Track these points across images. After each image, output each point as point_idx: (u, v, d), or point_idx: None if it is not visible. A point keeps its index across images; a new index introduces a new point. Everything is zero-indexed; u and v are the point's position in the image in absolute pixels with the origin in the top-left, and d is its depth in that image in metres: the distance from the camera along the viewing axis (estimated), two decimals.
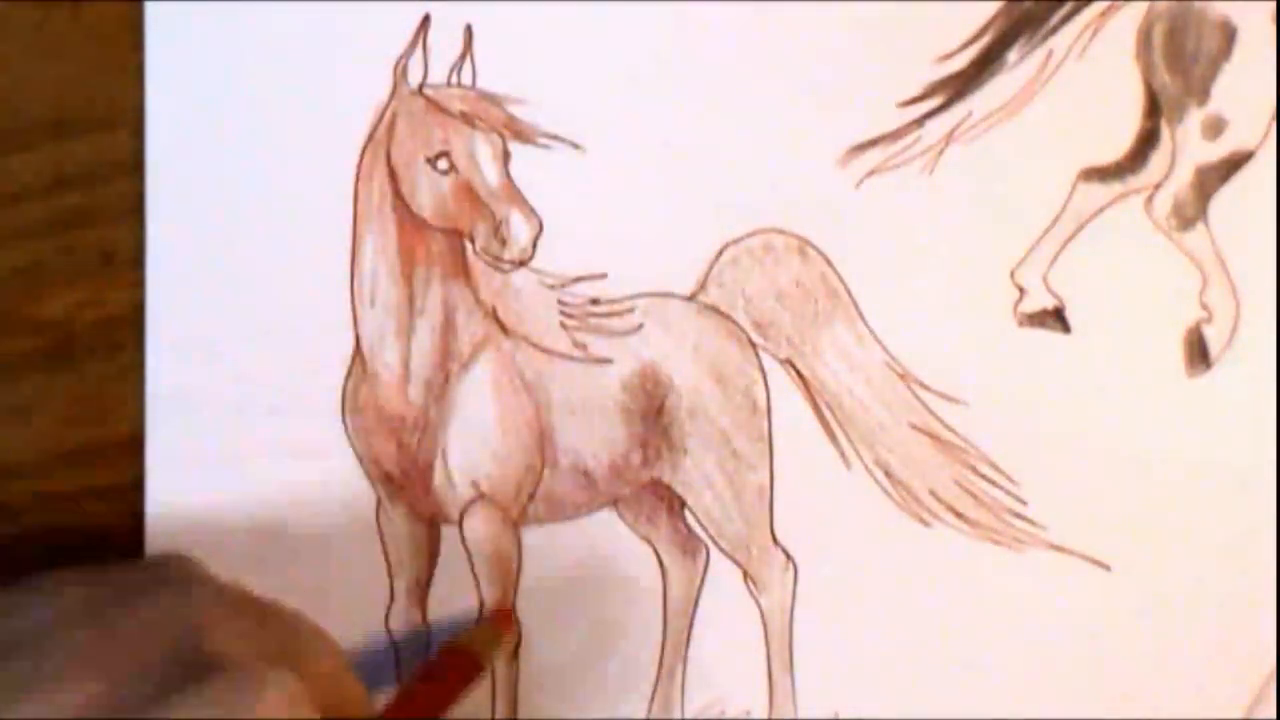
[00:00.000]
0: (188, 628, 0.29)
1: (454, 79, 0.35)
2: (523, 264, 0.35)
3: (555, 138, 0.35)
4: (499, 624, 0.37)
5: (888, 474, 0.36)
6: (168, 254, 0.35)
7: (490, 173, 0.35)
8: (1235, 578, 0.36)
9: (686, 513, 0.37)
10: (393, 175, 0.35)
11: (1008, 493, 0.36)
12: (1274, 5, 0.34)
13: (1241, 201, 0.35)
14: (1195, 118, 0.35)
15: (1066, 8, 0.34)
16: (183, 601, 0.30)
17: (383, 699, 0.34)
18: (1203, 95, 0.34)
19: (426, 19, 0.34)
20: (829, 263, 0.36)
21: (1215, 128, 0.35)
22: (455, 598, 0.37)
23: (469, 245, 0.35)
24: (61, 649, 0.28)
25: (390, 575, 0.37)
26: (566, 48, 0.35)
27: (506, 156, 0.35)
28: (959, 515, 0.36)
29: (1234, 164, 0.35)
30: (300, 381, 0.35)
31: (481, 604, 0.37)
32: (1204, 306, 0.35)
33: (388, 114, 0.35)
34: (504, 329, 0.36)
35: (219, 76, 0.35)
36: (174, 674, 0.27)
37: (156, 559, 0.35)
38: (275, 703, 0.27)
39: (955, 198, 0.35)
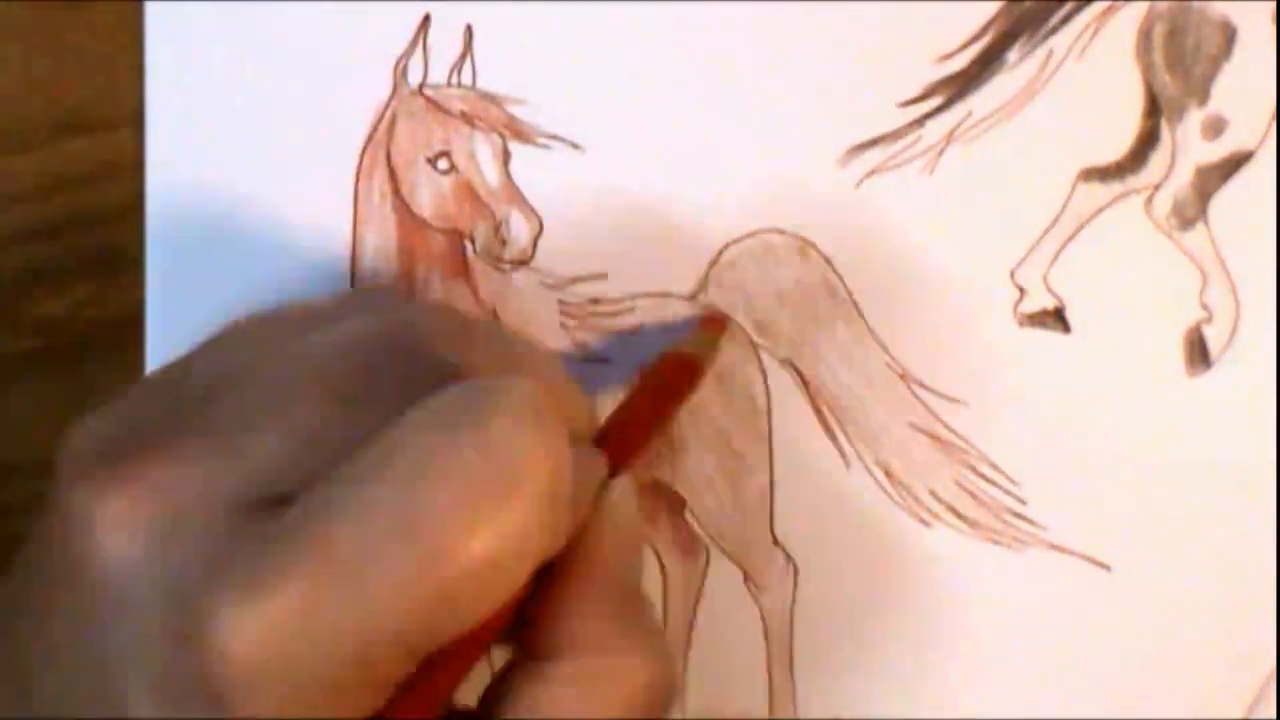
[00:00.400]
0: (413, 337, 0.27)
1: (454, 79, 0.35)
2: (523, 264, 0.35)
3: (555, 138, 0.35)
4: (714, 325, 0.35)
5: (888, 474, 0.36)
6: (168, 254, 0.35)
7: (490, 173, 0.35)
8: (1235, 578, 0.36)
9: (686, 513, 0.37)
10: (393, 175, 0.35)
11: (1008, 493, 0.36)
12: (1274, 5, 0.34)
13: (1242, 202, 0.35)
14: (1195, 118, 0.35)
15: (1067, 8, 0.34)
16: (399, 314, 0.28)
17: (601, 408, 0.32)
18: (1203, 95, 0.34)
19: (427, 19, 0.34)
20: (829, 263, 0.36)
21: (1215, 128, 0.35)
22: None
23: (469, 245, 0.35)
24: (283, 374, 0.26)
25: None
26: (567, 48, 0.35)
27: (507, 156, 0.35)
28: (959, 515, 0.36)
29: (1234, 164, 0.35)
30: None
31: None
32: (1204, 306, 0.35)
33: (388, 114, 0.35)
34: None
35: (219, 76, 0.35)
36: (409, 388, 0.25)
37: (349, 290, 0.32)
38: (520, 409, 0.25)
39: (955, 198, 0.35)
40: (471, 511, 0.24)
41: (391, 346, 0.27)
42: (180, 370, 0.28)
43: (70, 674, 0.24)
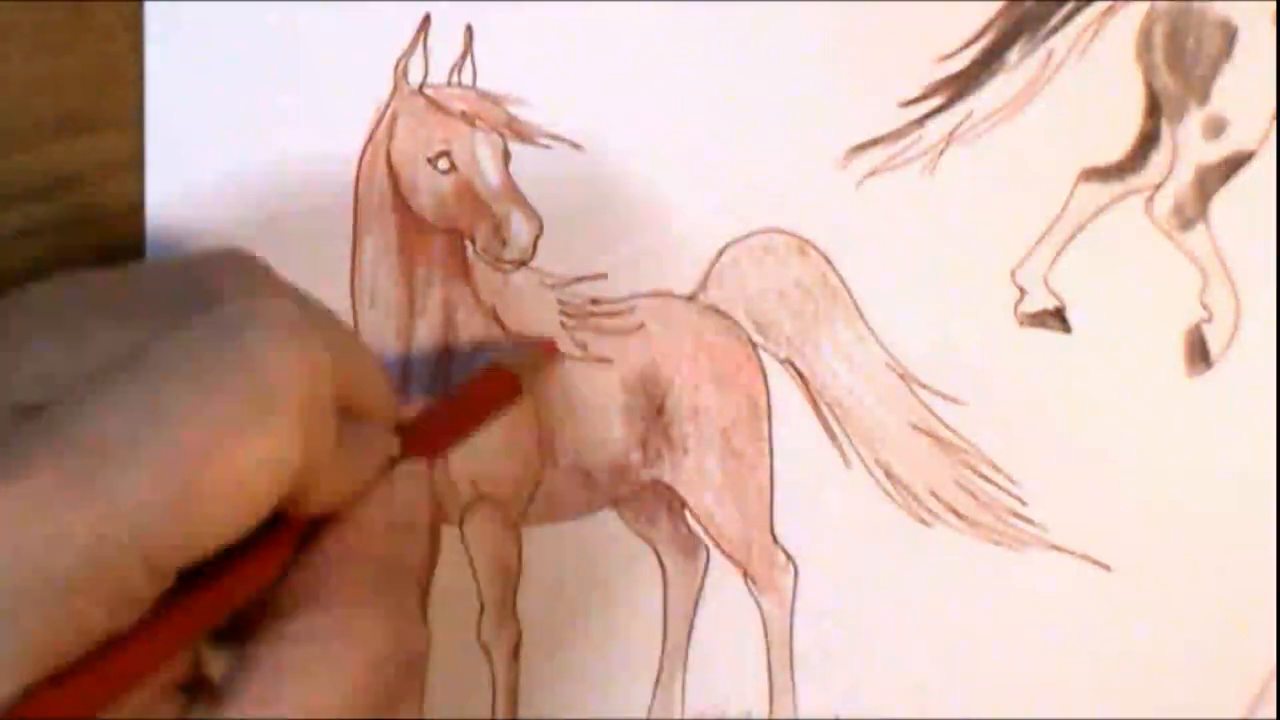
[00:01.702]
0: (198, 272, 0.28)
1: (454, 79, 0.35)
2: (523, 264, 0.35)
3: (555, 137, 0.35)
4: (543, 347, 0.35)
5: (888, 474, 0.36)
6: (168, 254, 0.35)
7: (491, 172, 0.35)
8: (1235, 578, 0.36)
9: (687, 513, 0.37)
10: (393, 175, 0.35)
11: (1008, 493, 0.36)
12: (1274, 6, 0.34)
13: (1242, 202, 0.35)
14: (1196, 118, 0.35)
15: (1067, 8, 0.34)
16: (204, 259, 0.29)
17: (409, 411, 0.32)
18: (1203, 95, 0.34)
19: (427, 19, 0.34)
20: (829, 263, 0.36)
21: (1216, 128, 0.35)
22: (455, 597, 0.37)
23: (469, 245, 0.35)
24: (69, 296, 0.27)
25: None
26: (567, 48, 0.35)
27: (507, 156, 0.35)
28: (959, 515, 0.36)
29: (1234, 164, 0.35)
30: None
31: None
32: (1204, 306, 0.35)
33: (388, 114, 0.35)
34: (504, 329, 0.36)
35: (219, 76, 0.35)
36: (185, 311, 0.26)
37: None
38: (279, 326, 0.25)
39: (956, 198, 0.35)
40: (220, 419, 0.24)
41: (172, 275, 0.28)
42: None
43: None
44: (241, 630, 0.27)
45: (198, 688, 0.26)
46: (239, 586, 0.26)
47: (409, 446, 0.30)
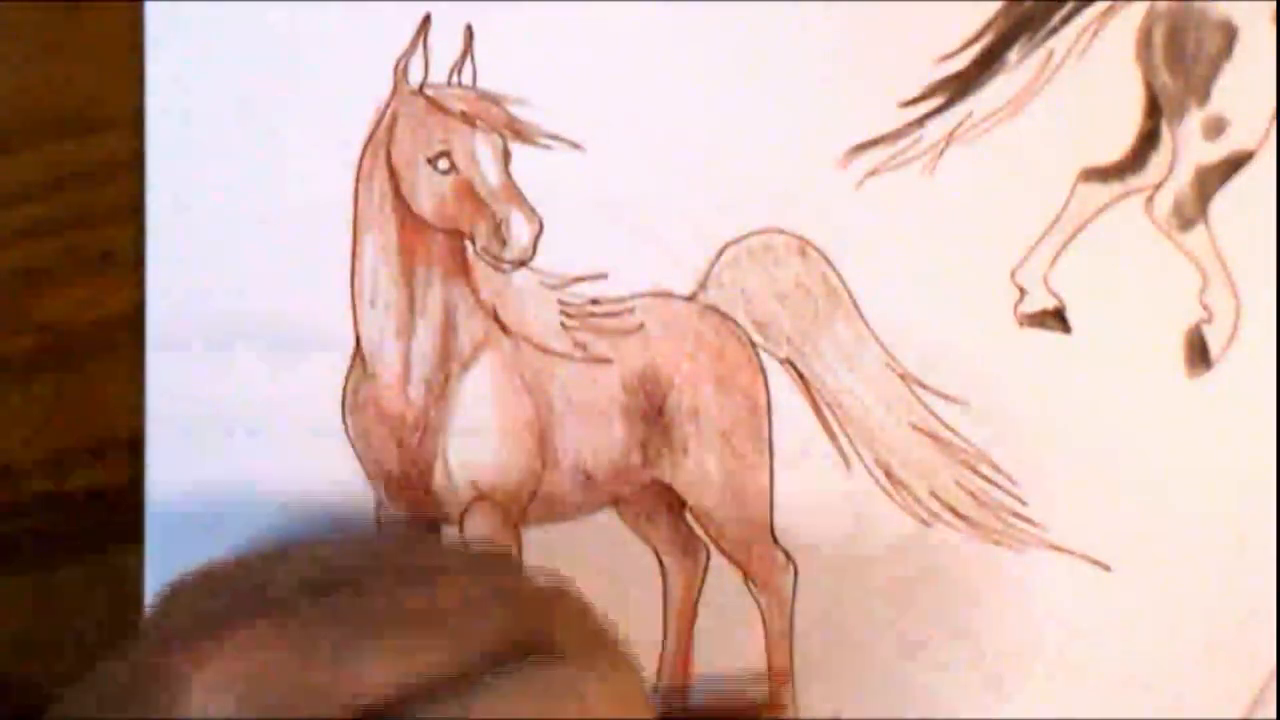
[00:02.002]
0: (536, 607, 0.28)
1: (454, 79, 0.35)
2: (523, 264, 0.35)
3: (556, 137, 0.35)
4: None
5: (888, 474, 0.36)
6: (168, 254, 0.35)
7: (491, 173, 0.35)
8: (1235, 578, 0.36)
9: (687, 513, 0.37)
10: (393, 175, 0.35)
11: (1008, 493, 0.36)
12: (1274, 6, 0.34)
13: (1242, 202, 0.35)
14: (1195, 118, 0.35)
15: (1067, 8, 0.34)
16: (528, 583, 0.29)
17: None
18: (1203, 96, 0.34)
19: (427, 19, 0.34)
20: (829, 263, 0.36)
21: (1215, 128, 0.35)
22: None
23: (469, 245, 0.35)
24: (401, 602, 0.27)
25: None
26: (567, 48, 0.35)
27: (507, 156, 0.35)
28: (959, 515, 0.36)
29: (1234, 164, 0.35)
30: (301, 382, 0.35)
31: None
32: (1204, 307, 0.35)
33: (388, 114, 0.35)
34: (504, 329, 0.36)
35: (219, 76, 0.35)
36: (514, 654, 0.26)
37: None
38: (612, 696, 0.27)
39: (956, 198, 0.35)
40: None
41: (512, 613, 0.28)
42: (309, 552, 0.30)
43: None
44: None
45: None
46: None
47: None
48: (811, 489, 0.36)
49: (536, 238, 0.35)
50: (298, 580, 0.28)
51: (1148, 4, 0.34)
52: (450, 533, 0.37)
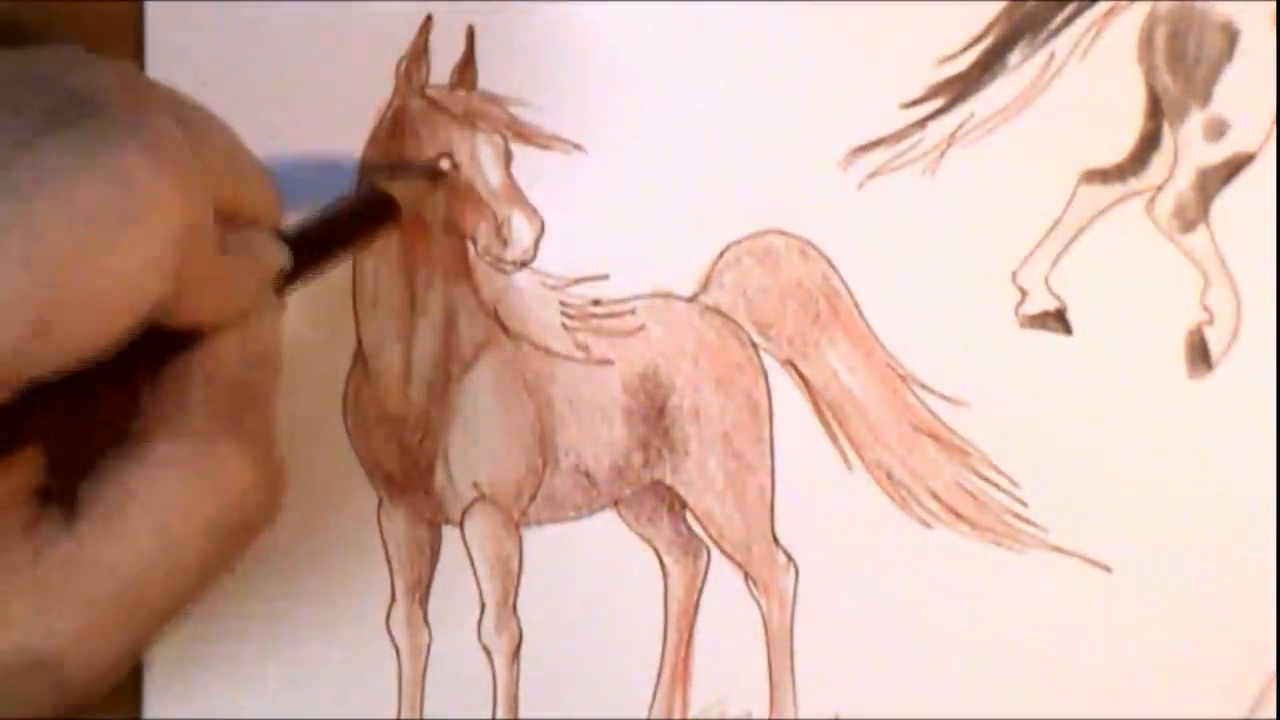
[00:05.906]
0: (64, 70, 0.26)
1: (456, 80, 0.35)
2: (524, 265, 0.35)
3: (557, 139, 0.35)
4: (432, 174, 0.35)
5: (889, 475, 0.36)
6: None
7: (492, 174, 0.35)
8: (1235, 578, 0.36)
9: (687, 514, 0.37)
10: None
11: (1008, 494, 0.36)
12: (1275, 8, 0.34)
13: (1243, 203, 0.35)
14: (1197, 120, 0.35)
15: (1068, 10, 0.34)
16: (61, 54, 0.27)
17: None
18: (1204, 97, 0.34)
19: (428, 20, 0.34)
20: (830, 264, 0.36)
21: (1217, 130, 0.35)
22: (456, 598, 0.37)
23: (471, 246, 0.35)
24: None
25: (391, 575, 0.37)
26: (568, 49, 0.35)
27: (508, 157, 0.35)
28: (960, 516, 0.36)
29: (1235, 166, 0.35)
30: (301, 382, 0.35)
31: None
32: (1205, 308, 0.35)
33: (389, 115, 0.35)
34: (506, 330, 0.36)
35: (219, 77, 0.35)
36: (45, 116, 0.24)
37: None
38: (158, 146, 0.24)
39: (957, 199, 0.35)
40: (83, 233, 0.23)
41: (34, 79, 0.26)
42: None
43: None
44: (101, 448, 0.26)
45: (53, 496, 0.26)
46: (96, 398, 0.25)
47: None
48: (812, 490, 0.36)
49: (538, 239, 0.35)
50: None
51: (1149, 6, 0.34)
52: (451, 533, 0.37)
